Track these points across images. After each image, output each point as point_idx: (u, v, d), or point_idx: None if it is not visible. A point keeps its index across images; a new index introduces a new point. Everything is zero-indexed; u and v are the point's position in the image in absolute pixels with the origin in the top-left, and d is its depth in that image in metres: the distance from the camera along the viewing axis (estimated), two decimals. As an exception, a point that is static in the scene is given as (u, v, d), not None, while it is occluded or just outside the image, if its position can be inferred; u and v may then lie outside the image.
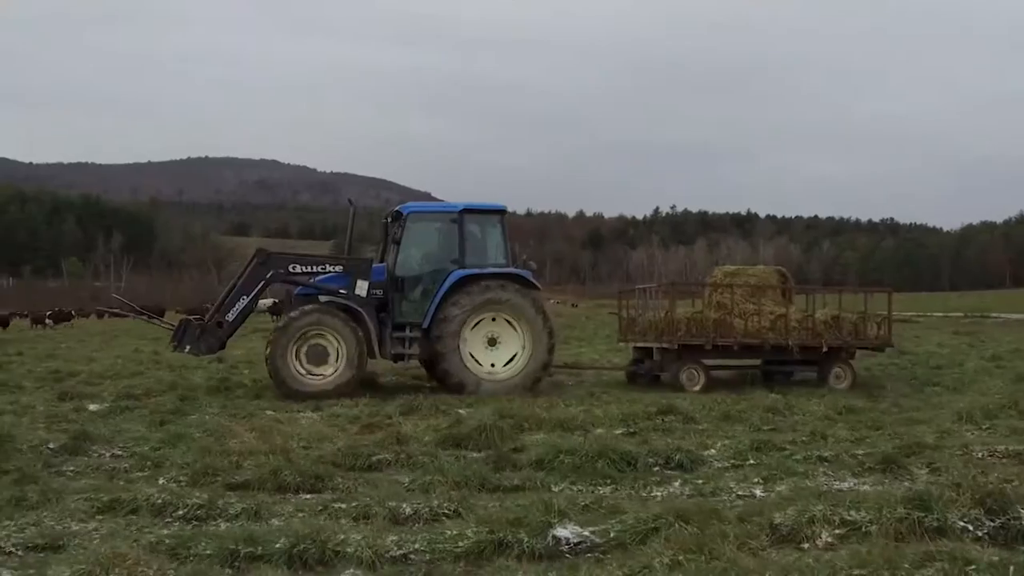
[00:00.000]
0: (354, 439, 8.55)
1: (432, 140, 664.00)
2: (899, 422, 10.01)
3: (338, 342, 12.76)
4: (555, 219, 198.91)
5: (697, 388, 13.71)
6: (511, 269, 13.78)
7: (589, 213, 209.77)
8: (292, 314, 13.09)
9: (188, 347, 13.18)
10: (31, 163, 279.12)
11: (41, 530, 5.48)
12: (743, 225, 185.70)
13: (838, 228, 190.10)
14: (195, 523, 5.75)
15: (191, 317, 14.21)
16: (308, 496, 6.50)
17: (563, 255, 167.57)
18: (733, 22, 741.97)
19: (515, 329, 13.46)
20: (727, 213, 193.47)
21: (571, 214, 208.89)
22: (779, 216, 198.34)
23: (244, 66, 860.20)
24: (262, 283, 13.48)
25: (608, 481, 6.90)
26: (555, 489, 6.63)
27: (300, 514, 5.91)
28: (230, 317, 13.27)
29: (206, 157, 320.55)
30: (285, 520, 5.78)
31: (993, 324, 43.24)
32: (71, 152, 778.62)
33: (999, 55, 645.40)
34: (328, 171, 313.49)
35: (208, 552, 4.97)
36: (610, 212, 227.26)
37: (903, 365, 19.51)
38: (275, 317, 28.68)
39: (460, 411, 10.62)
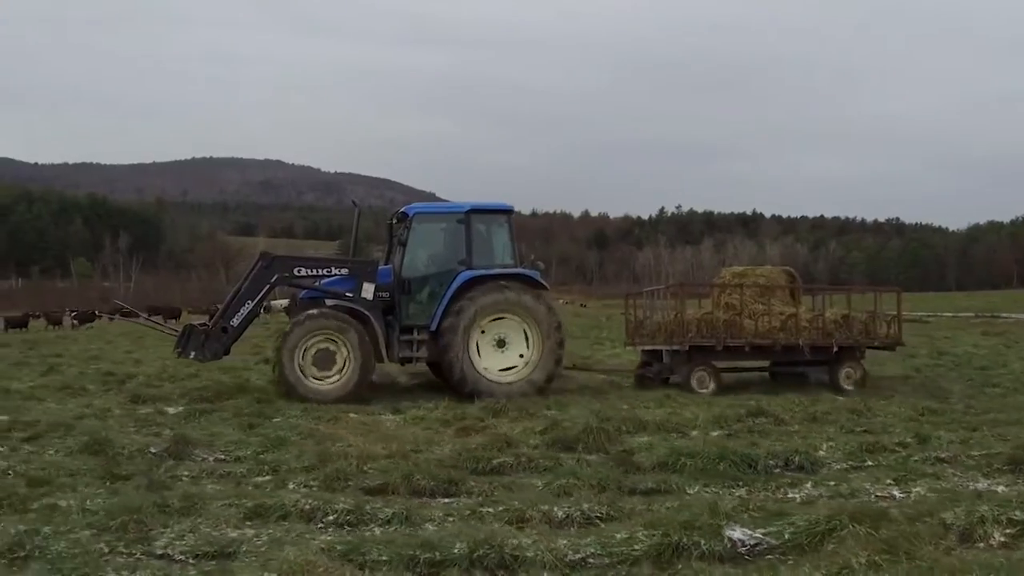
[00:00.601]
0: (461, 442, 8.53)
1: (436, 140, 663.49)
2: (990, 423, 9.96)
3: (345, 346, 12.59)
4: (560, 219, 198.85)
5: (708, 391, 13.53)
6: (519, 269, 13.61)
7: (594, 213, 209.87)
8: (298, 318, 12.85)
9: (193, 353, 13.00)
10: (36, 163, 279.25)
11: (201, 537, 5.46)
12: (748, 225, 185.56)
13: (844, 228, 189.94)
14: (348, 528, 5.74)
15: (196, 323, 13.95)
16: (446, 500, 6.50)
17: (569, 255, 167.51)
18: (736, 22, 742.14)
19: (524, 330, 13.29)
20: (732, 213, 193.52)
21: (576, 214, 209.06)
22: (784, 216, 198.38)
23: (247, 66, 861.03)
24: (267, 287, 13.23)
25: (740, 483, 6.89)
26: (690, 491, 6.64)
27: (450, 519, 5.90)
28: (235, 322, 13.06)
29: (210, 157, 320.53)
30: (438, 524, 5.79)
31: (1005, 323, 43.26)
32: (75, 152, 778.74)
33: (1003, 53, 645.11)
34: (332, 171, 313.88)
35: (385, 558, 4.95)
36: (615, 212, 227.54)
37: (947, 366, 19.55)
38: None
39: (547, 412, 10.64)
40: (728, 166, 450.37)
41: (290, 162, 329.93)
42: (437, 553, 4.97)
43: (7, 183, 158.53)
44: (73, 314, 45.68)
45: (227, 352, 13.44)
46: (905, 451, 8.08)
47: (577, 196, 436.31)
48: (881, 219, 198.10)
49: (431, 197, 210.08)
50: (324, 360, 12.57)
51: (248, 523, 5.79)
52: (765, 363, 15.22)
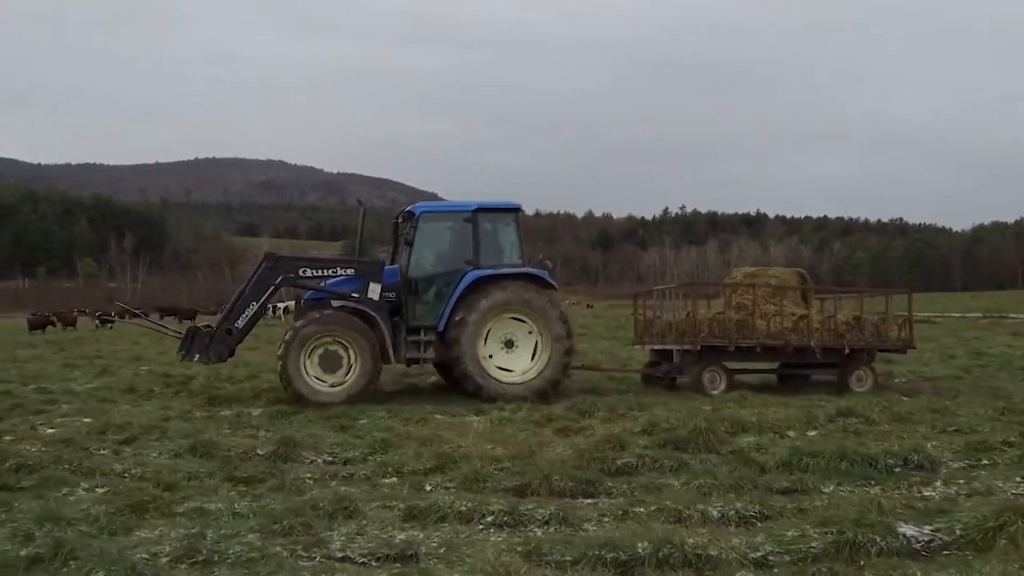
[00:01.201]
0: (570, 443, 8.60)
1: (437, 140, 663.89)
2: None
3: (352, 348, 12.40)
4: (564, 219, 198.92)
5: (719, 391, 13.45)
6: (527, 269, 13.39)
7: (598, 213, 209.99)
8: (303, 320, 12.66)
9: (197, 356, 12.84)
10: (39, 164, 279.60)
11: (371, 539, 5.46)
12: (752, 225, 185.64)
13: (847, 228, 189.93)
14: (508, 529, 5.76)
15: (199, 325, 13.78)
16: (588, 500, 6.52)
17: (572, 256, 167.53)
18: (736, 21, 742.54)
19: (533, 330, 13.10)
20: (736, 213, 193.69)
21: (580, 215, 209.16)
22: (788, 216, 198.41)
23: (248, 66, 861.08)
24: (272, 288, 13.03)
25: (871, 482, 6.92)
26: (825, 490, 6.68)
27: (604, 519, 5.92)
28: (239, 324, 12.86)
29: (213, 158, 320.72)
30: (596, 524, 5.82)
31: (1014, 323, 43.31)
32: (78, 153, 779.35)
33: (1004, 53, 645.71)
34: (335, 171, 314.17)
35: (569, 558, 4.97)
36: (618, 212, 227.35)
37: (990, 367, 19.60)
38: None
39: (635, 413, 10.69)
40: (730, 166, 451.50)
41: (292, 162, 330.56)
42: (621, 553, 4.98)
43: (11, 184, 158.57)
44: (99, 315, 45.75)
45: (232, 354, 13.25)
46: (1014, 449, 8.09)
47: (579, 196, 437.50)
48: (884, 219, 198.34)
49: (433, 197, 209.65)
50: (331, 362, 12.40)
51: (408, 525, 5.80)
52: (773, 364, 15.07)
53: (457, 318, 12.75)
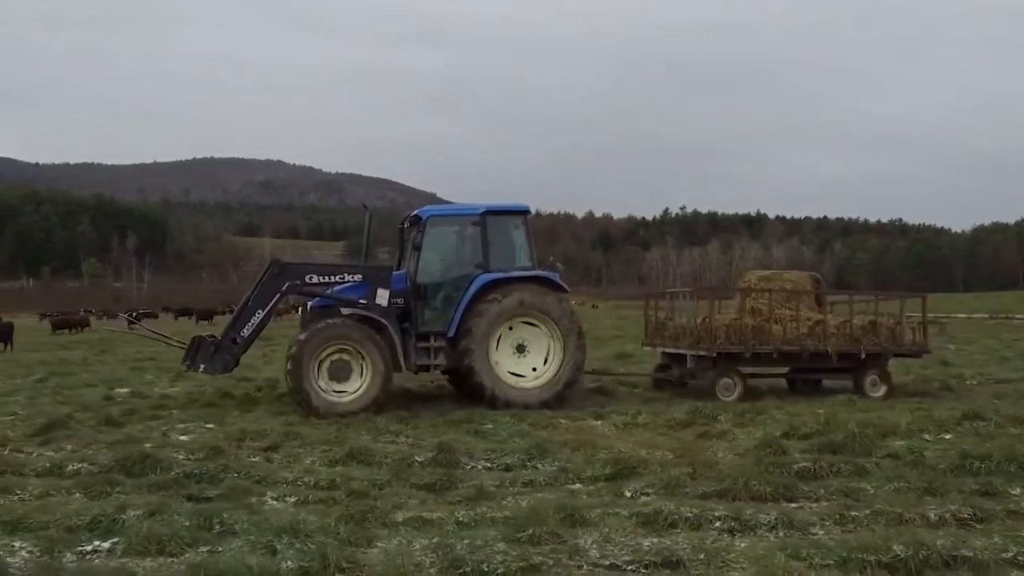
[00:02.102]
0: (727, 446, 8.77)
1: (436, 140, 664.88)
2: None
3: (362, 356, 12.06)
4: (564, 220, 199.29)
5: (733, 397, 13.30)
6: (538, 272, 13.14)
7: (598, 214, 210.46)
8: (312, 328, 12.28)
9: (203, 366, 12.50)
10: (37, 164, 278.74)
11: (621, 546, 5.52)
12: (753, 225, 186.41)
13: (847, 229, 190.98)
14: (737, 534, 5.87)
15: (204, 335, 13.35)
16: (791, 505, 6.61)
17: (573, 256, 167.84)
18: (736, 21, 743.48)
19: (544, 334, 12.85)
20: (736, 214, 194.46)
21: (580, 215, 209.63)
22: (788, 217, 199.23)
23: (247, 66, 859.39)
24: (278, 295, 12.70)
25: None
26: (1013, 492, 6.81)
27: (824, 521, 6.06)
28: (245, 332, 12.51)
29: (211, 158, 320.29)
30: (820, 528, 5.95)
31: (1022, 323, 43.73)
32: (76, 153, 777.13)
33: (1004, 53, 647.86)
34: (333, 171, 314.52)
35: (830, 562, 5.08)
36: (618, 212, 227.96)
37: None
38: None
39: (759, 417, 10.90)
40: (728, 166, 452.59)
41: (291, 162, 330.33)
42: (880, 555, 5.12)
43: (11, 184, 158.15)
44: (129, 314, 45.89)
45: (237, 364, 12.92)
46: None
47: (579, 196, 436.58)
48: (884, 220, 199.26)
49: (432, 197, 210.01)
50: (340, 371, 12.09)
51: (642, 531, 5.88)
52: (784, 369, 14.89)
53: (468, 323, 12.52)
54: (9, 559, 5.54)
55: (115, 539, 5.87)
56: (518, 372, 12.80)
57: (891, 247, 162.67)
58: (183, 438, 10.07)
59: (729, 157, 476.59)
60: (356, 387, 12.08)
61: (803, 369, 14.61)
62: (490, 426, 10.68)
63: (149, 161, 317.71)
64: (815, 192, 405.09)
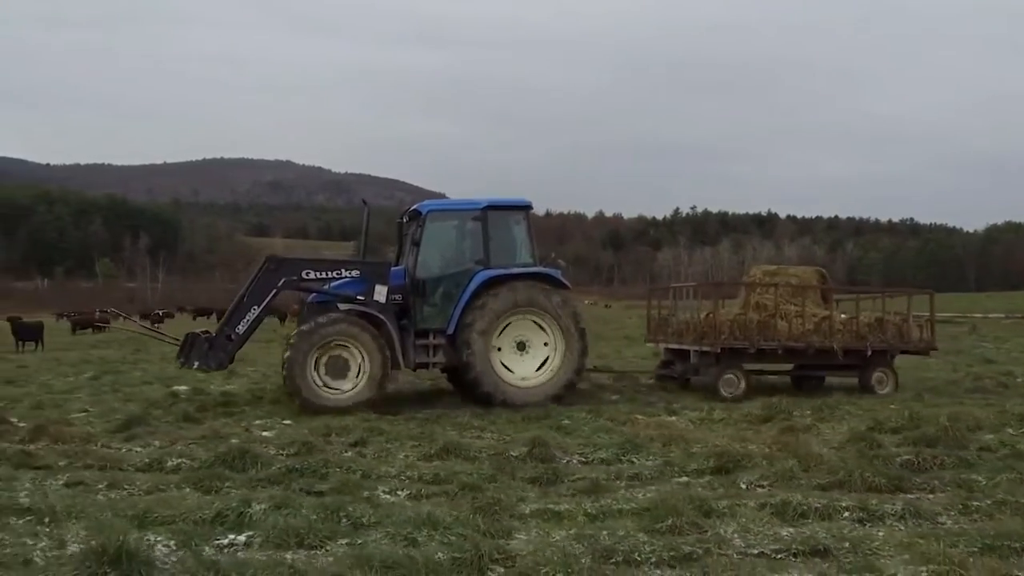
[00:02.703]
0: (821, 440, 8.80)
1: (446, 140, 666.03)
2: None
3: (360, 353, 11.91)
4: (574, 219, 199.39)
5: (736, 394, 13.18)
6: (539, 268, 12.90)
7: (608, 214, 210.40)
8: (310, 323, 12.10)
9: (196, 363, 12.24)
10: (48, 164, 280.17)
11: (763, 535, 5.59)
12: (764, 225, 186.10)
13: (859, 228, 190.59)
14: (868, 523, 5.91)
15: (198, 331, 13.18)
16: (907, 496, 6.64)
17: (584, 256, 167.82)
18: (738, 21, 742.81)
19: (546, 332, 12.65)
20: (747, 213, 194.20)
21: (590, 214, 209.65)
22: (799, 216, 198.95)
23: (255, 67, 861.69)
24: (274, 291, 12.47)
25: None
26: None
27: (950, 512, 6.14)
28: (240, 329, 12.31)
29: (220, 158, 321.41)
30: (947, 517, 6.03)
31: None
32: (86, 153, 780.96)
33: (1005, 53, 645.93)
34: (342, 171, 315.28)
35: (975, 549, 5.15)
36: (628, 212, 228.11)
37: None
38: None
39: (836, 412, 11.00)
40: (729, 166, 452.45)
41: (300, 162, 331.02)
42: (1017, 542, 5.19)
43: (23, 184, 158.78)
44: (159, 313, 46.17)
45: (232, 360, 12.80)
46: None
47: (589, 196, 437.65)
48: (895, 219, 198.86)
49: (440, 198, 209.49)
50: (338, 368, 11.93)
51: (778, 522, 5.92)
52: (788, 366, 14.76)
53: (467, 321, 12.31)
54: (150, 552, 5.57)
55: (249, 533, 5.89)
56: (519, 370, 12.61)
57: (902, 247, 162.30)
58: (266, 434, 10.12)
59: (730, 157, 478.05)
60: (353, 384, 11.94)
61: (808, 366, 14.44)
62: (567, 422, 10.73)
63: (159, 162, 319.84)
64: (817, 192, 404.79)
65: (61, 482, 7.56)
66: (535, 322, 12.65)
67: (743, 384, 13.43)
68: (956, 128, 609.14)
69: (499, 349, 12.54)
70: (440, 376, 14.74)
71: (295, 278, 12.65)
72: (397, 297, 12.65)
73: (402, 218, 13.93)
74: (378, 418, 11.01)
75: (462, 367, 12.43)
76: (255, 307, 12.37)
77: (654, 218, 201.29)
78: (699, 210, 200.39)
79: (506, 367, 12.55)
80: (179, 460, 8.33)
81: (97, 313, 57.50)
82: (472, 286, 12.45)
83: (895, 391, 13.74)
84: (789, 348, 13.86)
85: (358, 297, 12.41)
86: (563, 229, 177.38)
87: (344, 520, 6.12)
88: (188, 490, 7.22)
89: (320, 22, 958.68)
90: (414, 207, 13.52)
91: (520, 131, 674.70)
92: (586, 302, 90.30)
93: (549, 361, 12.66)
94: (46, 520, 6.20)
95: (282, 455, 8.65)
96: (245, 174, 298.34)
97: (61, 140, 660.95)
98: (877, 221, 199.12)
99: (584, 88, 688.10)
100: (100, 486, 7.36)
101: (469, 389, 12.64)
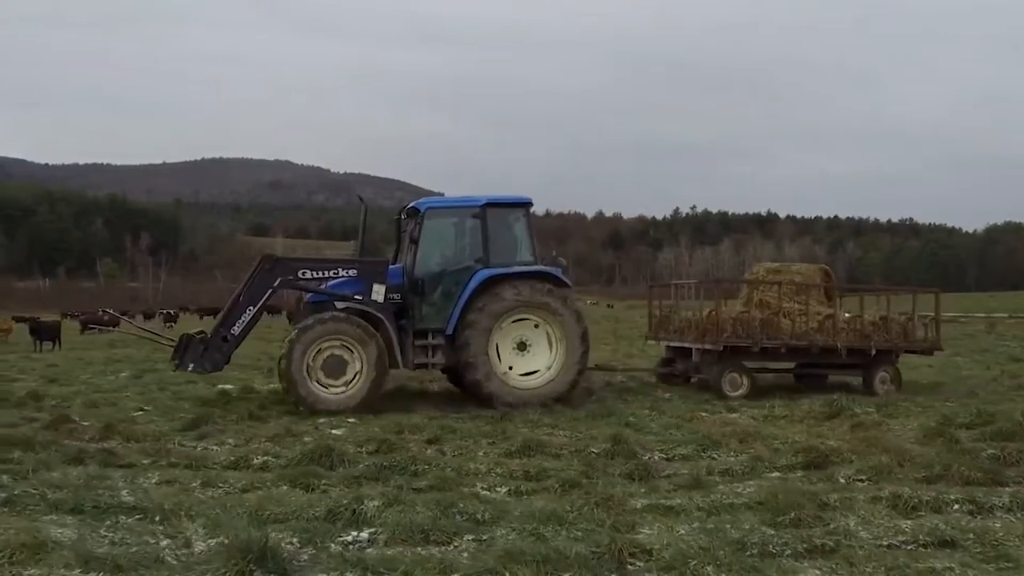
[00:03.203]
0: (894, 434, 8.93)
1: (444, 140, 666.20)
2: None
3: (357, 352, 11.74)
4: (574, 219, 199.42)
5: (739, 393, 13.02)
6: (540, 267, 12.67)
7: (608, 213, 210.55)
8: (307, 323, 11.93)
9: (191, 364, 12.11)
10: (47, 164, 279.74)
11: (884, 528, 5.67)
12: (764, 226, 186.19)
13: (859, 228, 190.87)
14: (980, 516, 6.01)
15: (193, 332, 12.99)
16: (1009, 489, 6.74)
17: (584, 256, 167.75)
18: (736, 21, 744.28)
19: (547, 332, 12.44)
20: (747, 213, 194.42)
21: (589, 215, 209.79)
22: (799, 216, 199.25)
23: (254, 67, 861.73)
24: (270, 291, 12.29)
25: None
26: None
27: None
28: (236, 330, 12.14)
29: (220, 158, 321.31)
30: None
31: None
32: (85, 153, 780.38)
33: (1003, 53, 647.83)
34: (342, 172, 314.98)
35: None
36: (628, 212, 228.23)
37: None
38: None
39: (904, 408, 11.13)
40: (728, 167, 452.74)
41: (299, 162, 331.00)
42: None
43: (23, 184, 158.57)
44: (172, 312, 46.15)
45: (228, 362, 12.57)
46: None
47: (588, 196, 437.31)
48: (895, 219, 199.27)
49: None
50: (335, 368, 11.74)
51: (896, 515, 6.01)
52: (790, 365, 14.62)
53: (467, 320, 12.10)
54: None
55: (370, 530, 5.93)
56: (520, 371, 12.42)
57: (903, 247, 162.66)
58: (336, 432, 10.14)
59: (729, 157, 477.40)
60: (351, 384, 11.77)
61: (810, 364, 14.25)
62: (633, 419, 10.82)
63: (158, 162, 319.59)
64: (816, 192, 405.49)
65: (153, 480, 7.58)
66: (537, 322, 12.46)
67: (746, 382, 13.26)
68: (955, 128, 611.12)
69: (500, 349, 12.34)
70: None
71: (291, 278, 12.51)
72: (395, 296, 12.47)
73: (400, 215, 13.69)
74: (442, 416, 11.07)
75: (462, 368, 12.24)
76: (251, 307, 12.21)
77: (654, 218, 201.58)
78: (699, 210, 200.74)
79: (506, 367, 12.35)
80: (264, 458, 8.37)
81: (101, 313, 57.45)
82: (472, 285, 12.23)
83: (898, 391, 13.57)
84: (792, 347, 13.67)
85: (356, 296, 12.24)
86: (563, 229, 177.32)
87: (459, 516, 6.17)
88: (285, 487, 7.24)
89: (320, 22, 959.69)
90: (412, 204, 13.32)
91: (519, 131, 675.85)
92: (589, 302, 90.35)
93: (550, 361, 12.45)
94: (157, 518, 6.22)
95: (362, 452, 8.72)
96: (245, 174, 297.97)
97: (60, 140, 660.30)
98: (877, 221, 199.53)
99: (584, 88, 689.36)
100: (194, 484, 7.39)
101: (470, 390, 12.45)
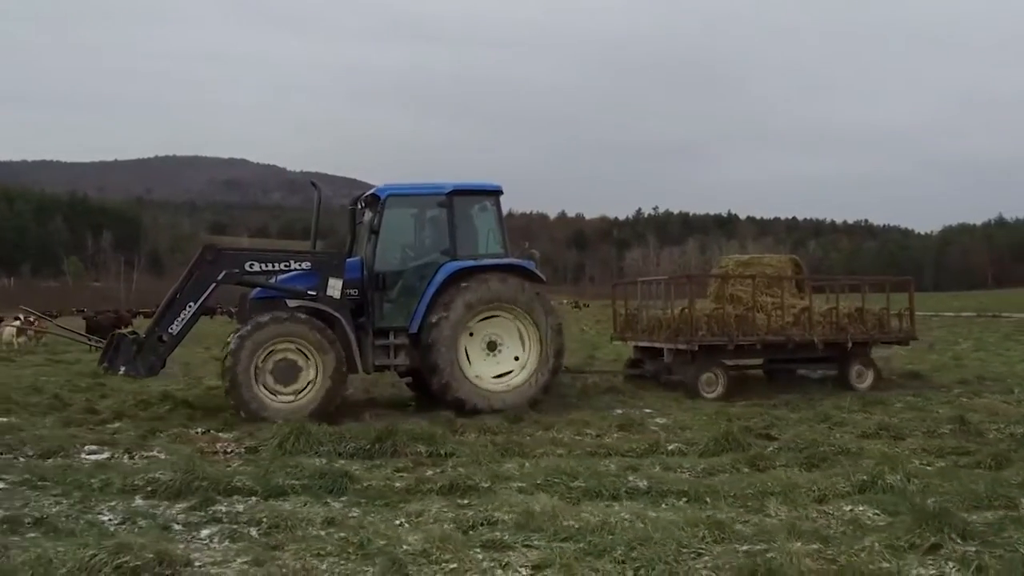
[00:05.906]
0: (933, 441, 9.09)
1: (403, 139, 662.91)
2: None
3: (314, 360, 10.63)
4: (538, 220, 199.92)
5: (716, 393, 12.50)
6: (512, 260, 11.75)
7: (571, 214, 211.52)
8: (262, 319, 10.62)
9: (123, 368, 10.83)
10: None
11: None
12: (725, 226, 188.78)
13: (817, 229, 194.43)
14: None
15: (124, 331, 11.85)
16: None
17: (549, 256, 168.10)
18: (703, 25, 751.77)
19: (519, 330, 11.55)
20: (708, 214, 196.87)
21: (552, 215, 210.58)
22: (759, 217, 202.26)
23: (211, 62, 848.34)
24: (213, 286, 10.95)
25: None
26: None
27: None
28: (174, 329, 10.79)
29: (173, 155, 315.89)
30: None
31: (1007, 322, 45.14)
32: (32, 150, 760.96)
33: (968, 59, 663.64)
34: (298, 170, 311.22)
35: None
36: (590, 213, 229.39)
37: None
38: None
39: (916, 406, 11.53)
40: (695, 167, 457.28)
41: (255, 161, 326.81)
42: None
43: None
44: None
45: (164, 365, 11.12)
46: None
47: (551, 196, 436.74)
48: (850, 220, 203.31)
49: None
50: (286, 374, 10.60)
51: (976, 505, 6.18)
52: (759, 361, 14.13)
53: (433, 318, 11.12)
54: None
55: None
56: (490, 372, 11.52)
57: (861, 247, 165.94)
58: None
59: (689, 159, 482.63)
60: (301, 394, 10.65)
61: (783, 360, 13.78)
62: (694, 421, 10.57)
63: (110, 159, 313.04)
64: (775, 193, 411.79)
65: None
66: (508, 319, 11.57)
67: (723, 381, 12.69)
68: (910, 132, 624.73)
69: (467, 349, 11.44)
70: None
71: (237, 271, 11.12)
72: (353, 292, 11.39)
73: (356, 204, 12.47)
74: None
75: (427, 370, 11.23)
76: (191, 304, 10.87)
77: (617, 218, 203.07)
78: (661, 210, 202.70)
79: (475, 369, 11.44)
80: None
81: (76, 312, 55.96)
82: (438, 279, 11.30)
83: (875, 384, 13.42)
84: (768, 343, 13.10)
85: (309, 292, 11.07)
86: (527, 229, 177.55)
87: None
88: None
89: (276, 17, 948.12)
90: (371, 191, 12.15)
91: (479, 131, 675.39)
92: (563, 302, 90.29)
93: (523, 361, 11.58)
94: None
95: (485, 440, 8.84)
96: (199, 172, 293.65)
97: (6, 136, 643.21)
98: (834, 222, 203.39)
99: (546, 88, 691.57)
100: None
101: (436, 395, 11.34)
